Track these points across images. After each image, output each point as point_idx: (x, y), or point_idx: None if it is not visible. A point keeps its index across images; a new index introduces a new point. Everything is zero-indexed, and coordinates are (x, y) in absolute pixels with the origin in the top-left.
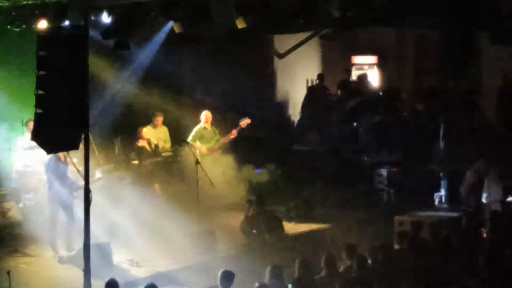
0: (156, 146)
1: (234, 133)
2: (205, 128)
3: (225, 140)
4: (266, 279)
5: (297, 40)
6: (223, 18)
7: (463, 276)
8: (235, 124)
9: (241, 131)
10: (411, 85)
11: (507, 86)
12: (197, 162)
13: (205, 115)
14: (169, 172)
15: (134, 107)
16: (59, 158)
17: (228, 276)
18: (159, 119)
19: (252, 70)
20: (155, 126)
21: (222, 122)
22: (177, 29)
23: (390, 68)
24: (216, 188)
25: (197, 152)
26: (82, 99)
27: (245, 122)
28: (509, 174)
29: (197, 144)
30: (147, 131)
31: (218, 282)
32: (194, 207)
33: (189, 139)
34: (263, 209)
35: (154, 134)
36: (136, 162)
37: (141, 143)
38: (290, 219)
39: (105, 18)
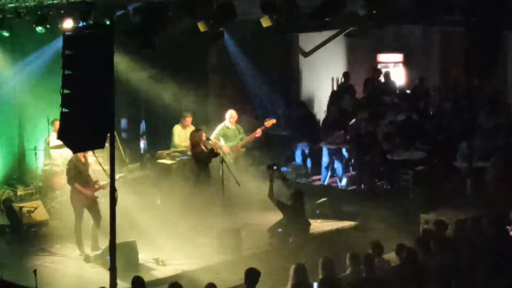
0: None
1: (258, 132)
2: (228, 127)
3: (249, 139)
4: (291, 277)
5: (322, 38)
6: (248, 17)
7: (489, 276)
8: (261, 123)
9: (266, 130)
10: (436, 83)
11: None
12: (222, 161)
13: (230, 114)
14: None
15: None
16: (79, 160)
17: (253, 275)
18: (188, 119)
19: (277, 68)
20: (184, 127)
21: (249, 120)
22: (202, 28)
23: (415, 66)
24: (240, 186)
25: (220, 151)
26: (108, 98)
27: (270, 122)
28: None
29: (221, 142)
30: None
31: (244, 281)
32: (219, 206)
33: (212, 137)
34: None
35: (183, 134)
36: (165, 161)
37: (214, 143)
38: (315, 217)
39: (130, 17)
